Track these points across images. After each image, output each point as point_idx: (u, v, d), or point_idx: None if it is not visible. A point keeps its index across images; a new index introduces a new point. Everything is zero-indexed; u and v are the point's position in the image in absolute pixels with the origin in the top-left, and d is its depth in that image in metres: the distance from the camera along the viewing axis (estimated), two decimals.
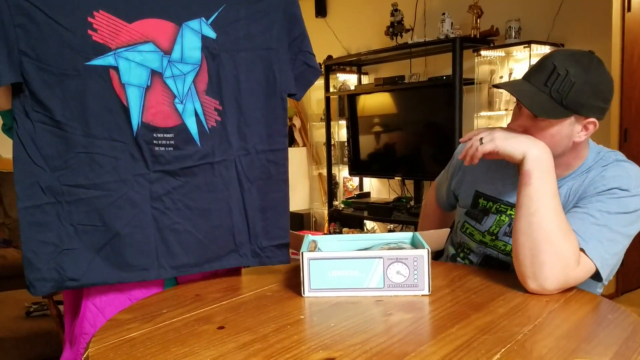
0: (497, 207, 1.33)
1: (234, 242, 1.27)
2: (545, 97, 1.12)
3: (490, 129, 1.19)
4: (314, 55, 1.35)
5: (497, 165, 1.34)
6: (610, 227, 1.11)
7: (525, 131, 1.16)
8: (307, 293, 1.11)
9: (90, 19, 1.09)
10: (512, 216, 1.28)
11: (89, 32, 1.09)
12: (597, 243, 1.10)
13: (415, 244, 1.23)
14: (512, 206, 1.29)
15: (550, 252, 1.06)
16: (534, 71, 1.16)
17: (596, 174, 1.18)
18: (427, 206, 1.67)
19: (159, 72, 1.17)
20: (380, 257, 1.09)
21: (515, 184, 1.26)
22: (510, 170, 1.31)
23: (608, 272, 1.12)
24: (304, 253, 1.10)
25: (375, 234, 1.43)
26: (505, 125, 1.24)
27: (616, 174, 1.16)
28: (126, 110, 1.14)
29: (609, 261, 1.11)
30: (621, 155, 1.23)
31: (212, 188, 1.24)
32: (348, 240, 1.31)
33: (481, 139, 1.17)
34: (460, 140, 1.25)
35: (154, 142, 1.17)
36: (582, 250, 1.09)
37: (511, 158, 1.14)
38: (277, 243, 1.30)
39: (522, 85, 1.16)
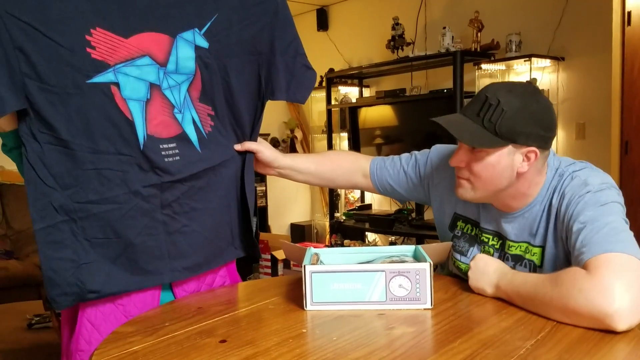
0: (477, 232, 1.32)
1: (231, 235, 1.35)
2: (478, 127, 1.12)
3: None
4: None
5: None
6: (608, 222, 1.04)
7: (467, 165, 1.17)
8: (309, 306, 1.11)
9: (88, 37, 1.09)
10: (495, 246, 1.28)
11: (88, 49, 1.10)
12: (611, 244, 1.00)
13: (417, 257, 1.23)
14: (493, 234, 1.29)
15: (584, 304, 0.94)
16: (468, 104, 1.17)
17: (558, 202, 1.15)
18: (345, 156, 1.57)
19: (157, 85, 1.19)
20: (383, 271, 1.09)
21: (491, 211, 1.27)
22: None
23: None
24: (306, 266, 1.10)
25: (377, 246, 1.42)
26: None
27: (573, 186, 1.14)
28: (131, 124, 1.16)
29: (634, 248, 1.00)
30: (580, 164, 1.20)
31: (214, 188, 1.29)
32: (350, 253, 1.31)
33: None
34: None
35: (162, 153, 1.20)
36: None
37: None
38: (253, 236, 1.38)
39: (456, 118, 1.17)
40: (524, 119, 1.11)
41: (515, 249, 1.24)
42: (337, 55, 5.02)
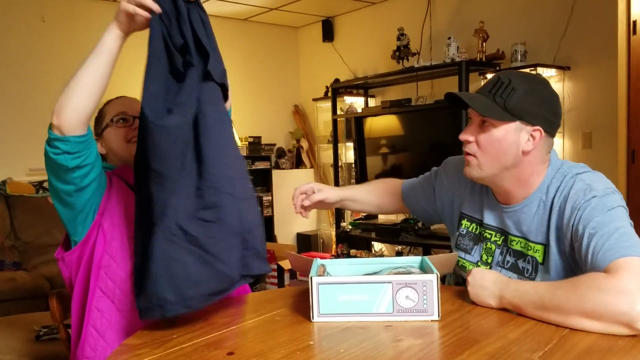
0: (480, 230, 1.35)
1: None
2: (489, 101, 1.18)
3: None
4: None
5: (479, 188, 1.37)
6: (618, 228, 1.07)
7: (476, 138, 1.21)
8: (316, 318, 1.11)
9: None
10: (498, 242, 1.31)
11: None
12: (625, 249, 1.04)
13: (424, 269, 1.23)
14: (496, 231, 1.32)
15: (605, 307, 0.97)
16: (482, 87, 1.24)
17: (561, 203, 1.18)
18: (389, 182, 1.63)
19: None
20: (389, 282, 1.09)
21: (489, 203, 1.33)
22: (483, 189, 1.35)
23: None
24: (313, 277, 1.10)
25: (384, 257, 1.45)
26: None
27: (578, 190, 1.16)
28: None
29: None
30: (582, 168, 1.23)
31: None
32: (356, 265, 1.31)
33: None
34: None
35: None
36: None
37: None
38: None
39: (469, 93, 1.23)
40: (533, 99, 1.17)
41: (517, 244, 1.27)
42: (342, 65, 5.04)
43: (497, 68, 3.70)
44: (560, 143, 3.53)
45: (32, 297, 3.37)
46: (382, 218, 4.75)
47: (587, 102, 3.47)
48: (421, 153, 4.06)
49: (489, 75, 3.66)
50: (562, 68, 3.49)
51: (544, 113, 1.18)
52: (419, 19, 4.37)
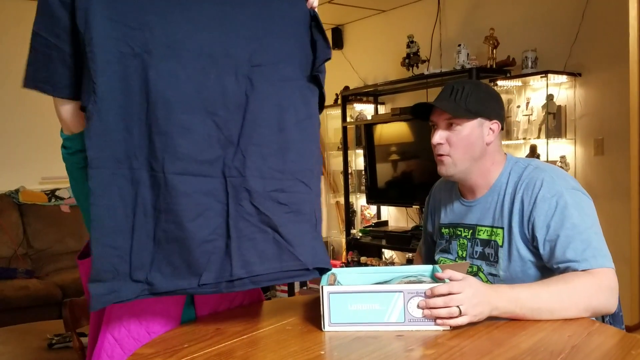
0: (454, 231, 1.48)
1: None
2: (454, 104, 1.36)
3: (464, 289, 1.07)
4: None
5: (446, 195, 1.54)
6: (581, 231, 1.23)
7: (447, 140, 1.37)
8: (327, 327, 1.11)
9: None
10: (468, 237, 1.43)
11: None
12: (592, 252, 1.20)
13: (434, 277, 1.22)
14: (464, 227, 1.45)
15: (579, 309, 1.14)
16: (439, 96, 1.40)
17: (527, 190, 1.31)
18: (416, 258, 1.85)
19: None
20: (401, 291, 1.09)
21: (458, 205, 1.48)
22: (452, 196, 1.51)
23: (610, 257, 1.22)
24: (323, 287, 1.10)
25: (395, 266, 1.47)
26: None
27: (543, 180, 1.30)
28: None
29: (605, 251, 1.22)
30: (535, 161, 1.40)
31: None
32: (367, 273, 1.31)
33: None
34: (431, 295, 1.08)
35: None
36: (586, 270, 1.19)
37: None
38: None
39: (434, 102, 1.38)
40: (484, 99, 1.38)
41: (484, 232, 1.39)
42: (352, 73, 5.05)
43: (508, 75, 3.69)
44: (572, 150, 3.51)
45: (45, 305, 3.39)
46: (392, 225, 4.73)
47: (598, 109, 3.44)
48: (431, 160, 4.00)
49: (500, 82, 3.66)
50: (573, 74, 3.47)
51: (496, 107, 1.40)
52: (429, 26, 4.38)
